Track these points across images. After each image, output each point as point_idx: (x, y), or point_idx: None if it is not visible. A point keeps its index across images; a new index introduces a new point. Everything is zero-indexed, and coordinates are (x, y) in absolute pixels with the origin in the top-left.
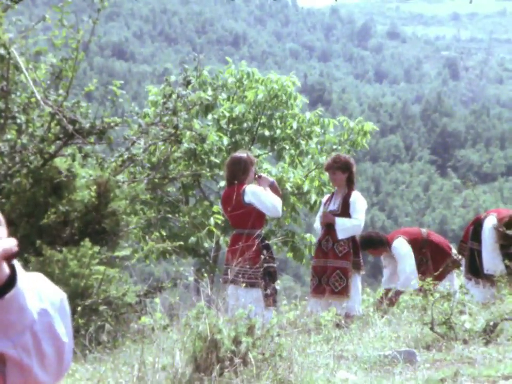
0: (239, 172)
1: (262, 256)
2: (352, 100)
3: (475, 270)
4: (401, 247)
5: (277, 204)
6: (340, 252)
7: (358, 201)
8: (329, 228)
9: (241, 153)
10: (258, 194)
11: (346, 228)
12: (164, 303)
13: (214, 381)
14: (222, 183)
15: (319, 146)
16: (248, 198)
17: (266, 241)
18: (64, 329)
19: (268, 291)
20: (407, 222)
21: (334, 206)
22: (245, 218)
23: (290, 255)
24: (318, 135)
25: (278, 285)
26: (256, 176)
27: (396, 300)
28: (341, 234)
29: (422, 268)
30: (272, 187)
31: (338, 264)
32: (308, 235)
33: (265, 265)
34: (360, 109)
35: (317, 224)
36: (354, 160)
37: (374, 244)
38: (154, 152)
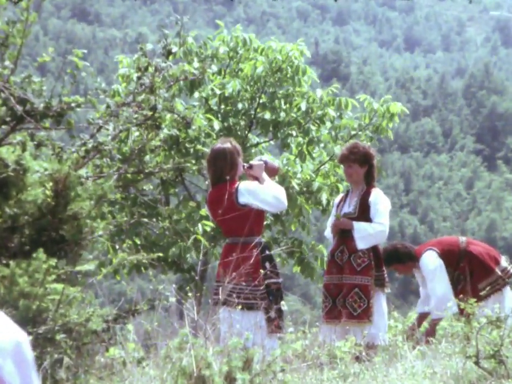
0: (226, 167)
1: (262, 271)
2: (375, 74)
3: None
4: (430, 262)
5: (280, 194)
6: (358, 265)
7: (380, 201)
8: (344, 235)
9: (224, 143)
10: (255, 192)
11: (367, 235)
12: (138, 330)
13: None
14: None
15: (333, 133)
16: (243, 198)
17: (268, 251)
18: (19, 382)
19: (271, 314)
20: (445, 228)
21: (350, 207)
22: (240, 223)
23: (297, 269)
24: (332, 118)
25: (284, 306)
26: (246, 167)
27: (433, 330)
28: (361, 243)
29: (460, 287)
30: (267, 168)
31: (357, 281)
32: (319, 244)
33: (267, 281)
34: (386, 85)
35: (328, 232)
36: (376, 150)
37: (400, 258)
38: (127, 140)
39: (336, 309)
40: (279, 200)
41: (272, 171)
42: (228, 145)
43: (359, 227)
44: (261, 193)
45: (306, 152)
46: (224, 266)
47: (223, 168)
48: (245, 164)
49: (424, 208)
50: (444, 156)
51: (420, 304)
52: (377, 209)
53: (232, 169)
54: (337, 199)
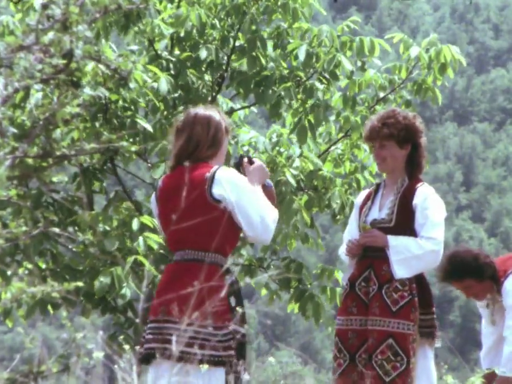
0: (205, 141)
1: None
2: None
3: None
4: None
5: (269, 219)
6: (394, 302)
7: (432, 204)
8: (371, 254)
9: (209, 110)
10: (240, 187)
11: (412, 257)
12: None
13: None
14: (161, 169)
15: (350, 94)
16: (220, 189)
17: (236, 282)
18: None
19: (231, 378)
20: None
21: (382, 212)
22: (208, 230)
23: (294, 308)
24: (349, 71)
25: (246, 374)
26: (246, 160)
27: None
28: (401, 270)
29: None
30: (266, 191)
31: (392, 327)
32: (328, 268)
33: (234, 328)
34: (435, 18)
35: (344, 251)
36: (424, 123)
37: (481, 271)
38: (25, 104)
39: (356, 369)
40: (265, 225)
41: (270, 199)
42: (214, 113)
43: (397, 244)
44: (246, 195)
45: (307, 124)
46: (181, 301)
47: (200, 142)
48: (245, 155)
49: (495, 212)
50: None
51: (486, 356)
52: (428, 216)
53: (213, 147)
54: (360, 197)
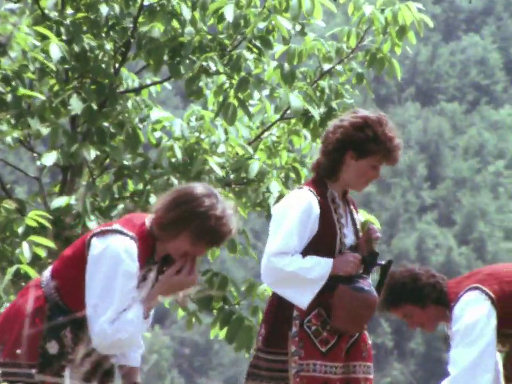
0: (161, 216)
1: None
2: None
3: None
4: (469, 312)
5: (103, 316)
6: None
7: None
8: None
9: (203, 188)
10: (94, 261)
11: None
12: None
13: None
14: (52, 156)
15: (287, 67)
16: (91, 251)
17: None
18: None
19: None
20: (503, 254)
21: (351, 234)
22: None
23: (218, 334)
24: (286, 36)
25: None
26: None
27: None
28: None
29: None
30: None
31: (371, 372)
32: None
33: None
34: None
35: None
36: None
37: (422, 295)
38: None
39: None
40: (96, 321)
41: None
42: (205, 193)
43: None
44: (92, 275)
45: (236, 104)
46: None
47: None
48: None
49: (467, 213)
50: (510, 109)
51: None
52: None
53: (168, 229)
54: (310, 205)
